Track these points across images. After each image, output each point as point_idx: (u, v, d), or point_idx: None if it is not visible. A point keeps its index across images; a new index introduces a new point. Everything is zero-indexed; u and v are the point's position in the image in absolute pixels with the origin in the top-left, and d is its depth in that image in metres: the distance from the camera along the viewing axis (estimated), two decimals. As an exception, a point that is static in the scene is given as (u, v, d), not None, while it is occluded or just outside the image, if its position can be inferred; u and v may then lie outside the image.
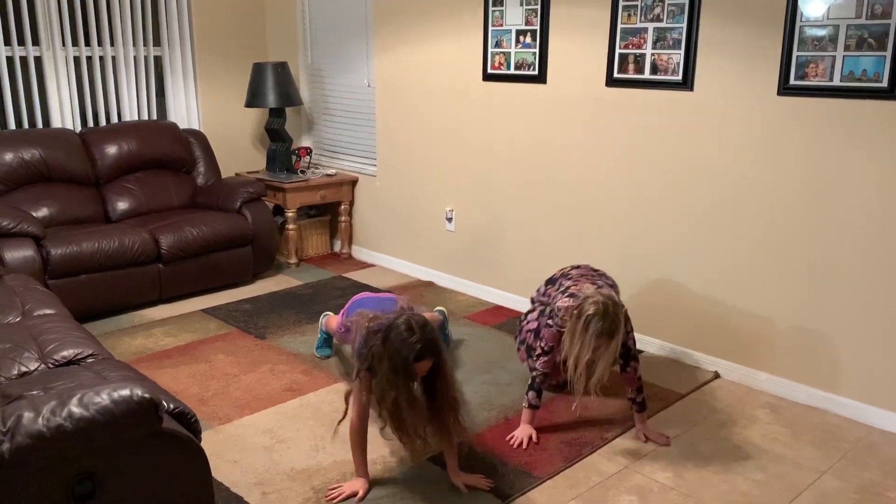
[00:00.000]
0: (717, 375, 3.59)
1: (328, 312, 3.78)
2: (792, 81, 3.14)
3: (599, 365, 2.73)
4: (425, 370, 2.49)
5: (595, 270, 3.25)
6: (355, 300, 3.40)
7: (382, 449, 2.89)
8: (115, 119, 5.12)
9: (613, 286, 3.13)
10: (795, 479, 2.76)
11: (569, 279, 3.15)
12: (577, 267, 3.29)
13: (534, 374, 3.00)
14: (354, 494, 2.62)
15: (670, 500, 2.63)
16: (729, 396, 3.39)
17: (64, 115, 4.89)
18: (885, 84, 2.90)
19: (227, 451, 2.90)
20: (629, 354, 2.96)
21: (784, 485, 2.72)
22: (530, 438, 2.97)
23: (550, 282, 3.29)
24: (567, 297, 2.95)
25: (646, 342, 3.83)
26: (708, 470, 2.81)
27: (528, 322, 3.30)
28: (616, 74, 3.71)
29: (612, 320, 2.68)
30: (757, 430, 3.10)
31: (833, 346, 3.22)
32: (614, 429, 3.09)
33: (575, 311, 2.77)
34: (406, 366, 2.42)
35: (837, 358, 3.22)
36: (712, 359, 3.62)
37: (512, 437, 2.99)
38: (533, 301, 3.40)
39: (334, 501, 2.60)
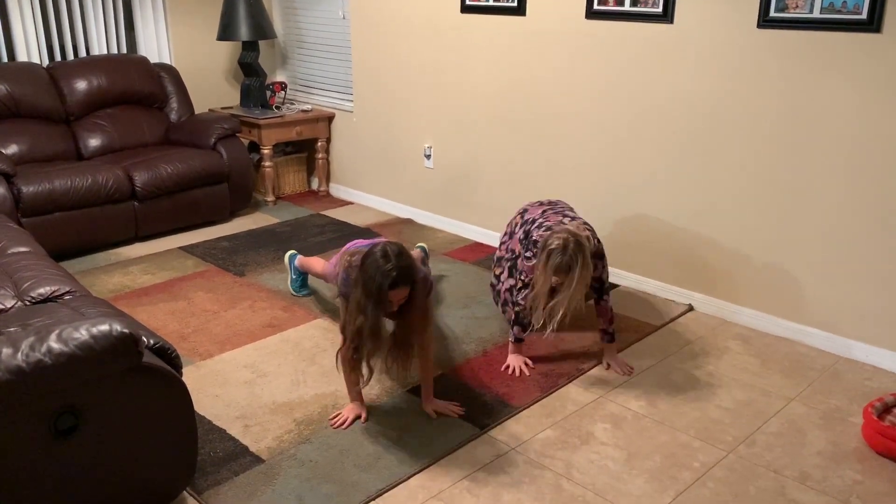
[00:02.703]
0: (690, 308, 3.66)
1: (294, 252, 3.77)
2: (772, 14, 3.11)
3: (560, 299, 2.75)
4: (400, 299, 2.47)
5: (553, 205, 3.25)
6: (348, 248, 3.21)
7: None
8: (83, 53, 4.97)
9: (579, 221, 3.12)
10: (764, 407, 2.85)
11: (541, 216, 3.16)
12: (542, 205, 3.29)
13: (517, 308, 3.04)
14: (358, 418, 2.70)
15: (643, 427, 2.71)
16: (702, 328, 3.47)
17: (30, 48, 4.73)
18: (864, 16, 2.89)
19: (209, 385, 2.93)
20: (602, 288, 3.01)
21: (753, 412, 2.81)
22: (526, 364, 3.05)
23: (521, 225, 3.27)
24: (544, 230, 2.98)
25: (622, 276, 3.88)
26: (680, 398, 2.89)
27: (502, 284, 3.30)
28: (596, 6, 3.65)
29: (570, 256, 2.69)
30: (728, 361, 3.18)
31: (803, 279, 3.29)
32: (589, 360, 3.15)
33: (542, 245, 2.80)
34: (379, 292, 2.39)
35: (807, 290, 3.29)
36: (687, 292, 3.69)
37: (507, 367, 3.05)
38: (500, 260, 3.38)
39: (342, 428, 2.66)
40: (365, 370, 2.60)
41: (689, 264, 3.65)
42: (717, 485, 2.41)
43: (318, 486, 2.37)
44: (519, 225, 3.24)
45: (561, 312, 2.76)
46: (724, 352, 3.26)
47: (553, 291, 2.79)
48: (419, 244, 3.92)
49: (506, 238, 3.34)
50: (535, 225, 3.06)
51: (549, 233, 2.81)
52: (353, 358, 2.57)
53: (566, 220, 3.03)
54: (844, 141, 3.05)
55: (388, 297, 2.42)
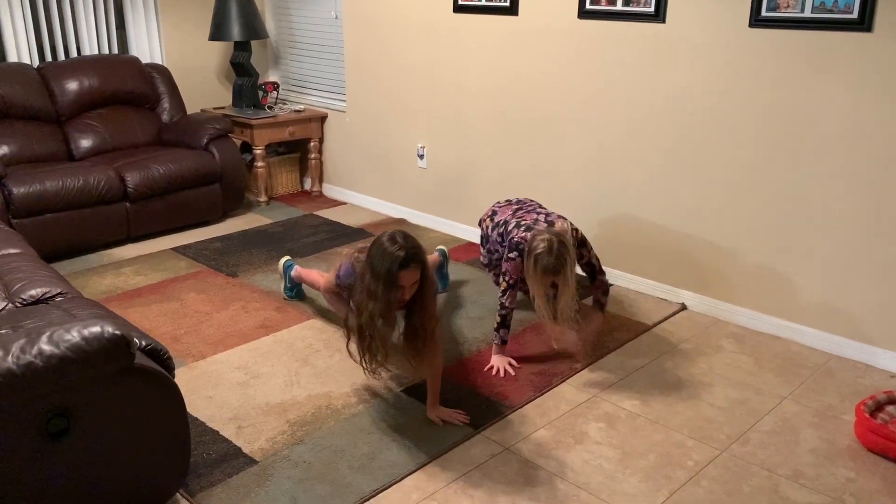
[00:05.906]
0: (683, 307, 3.66)
1: (289, 259, 3.66)
2: (764, 13, 3.12)
3: (561, 298, 2.82)
4: (410, 281, 2.44)
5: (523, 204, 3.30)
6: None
7: (356, 379, 2.93)
8: (73, 53, 4.94)
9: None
10: (757, 405, 2.85)
11: (513, 216, 3.19)
12: (510, 205, 3.32)
13: (502, 312, 3.04)
14: None
15: (637, 426, 2.72)
16: (695, 327, 3.47)
17: (20, 48, 4.71)
18: (855, 15, 2.90)
19: (202, 387, 2.92)
20: (594, 270, 3.12)
21: (746, 410, 2.82)
22: (510, 365, 3.05)
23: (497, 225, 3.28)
24: (523, 230, 3.00)
25: (614, 275, 3.88)
26: (674, 397, 2.90)
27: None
28: (588, 6, 3.65)
29: (557, 256, 2.75)
30: (721, 359, 3.19)
31: (796, 278, 3.30)
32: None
33: (527, 250, 2.83)
34: (389, 274, 2.37)
35: (800, 289, 3.30)
36: (680, 291, 3.69)
37: (491, 368, 3.05)
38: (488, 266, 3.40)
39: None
40: (380, 355, 2.55)
41: (681, 263, 3.66)
42: (710, 483, 2.41)
43: (311, 487, 2.37)
44: (491, 228, 3.25)
45: (573, 308, 2.83)
46: (718, 350, 3.26)
47: (552, 293, 2.84)
48: (439, 247, 3.81)
49: (482, 242, 3.37)
50: (514, 225, 3.07)
51: (530, 235, 2.85)
52: (368, 345, 2.53)
53: (541, 216, 3.07)
54: (837, 139, 3.06)
55: (398, 279, 2.39)
